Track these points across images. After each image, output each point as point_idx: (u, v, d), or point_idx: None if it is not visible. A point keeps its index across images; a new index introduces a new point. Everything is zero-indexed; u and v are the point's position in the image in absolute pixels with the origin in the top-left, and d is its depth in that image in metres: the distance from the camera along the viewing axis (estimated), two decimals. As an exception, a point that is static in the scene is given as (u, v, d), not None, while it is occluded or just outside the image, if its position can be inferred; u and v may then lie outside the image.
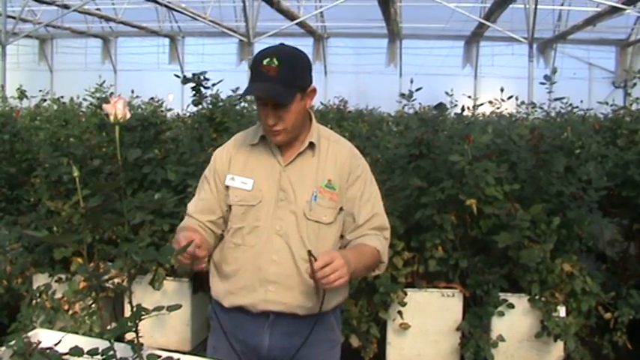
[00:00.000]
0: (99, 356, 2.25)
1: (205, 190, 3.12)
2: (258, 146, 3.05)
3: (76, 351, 2.29)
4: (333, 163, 3.01)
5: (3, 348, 2.39)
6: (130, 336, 2.31)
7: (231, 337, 3.07)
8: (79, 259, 5.43)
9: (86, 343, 2.35)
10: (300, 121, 2.95)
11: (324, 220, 2.96)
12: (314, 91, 2.97)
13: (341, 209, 3.01)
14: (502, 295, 5.31)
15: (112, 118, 2.33)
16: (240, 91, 6.45)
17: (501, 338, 5.27)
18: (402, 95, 6.67)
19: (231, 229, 3.06)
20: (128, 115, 2.36)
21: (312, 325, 3.00)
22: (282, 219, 2.96)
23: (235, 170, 3.05)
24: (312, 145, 3.01)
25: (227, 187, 3.04)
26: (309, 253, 2.67)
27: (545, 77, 7.15)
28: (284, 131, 2.90)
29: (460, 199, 5.33)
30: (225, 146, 3.18)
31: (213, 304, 3.20)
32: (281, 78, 2.78)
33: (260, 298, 2.92)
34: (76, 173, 2.27)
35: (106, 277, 2.39)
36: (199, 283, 5.62)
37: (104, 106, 2.36)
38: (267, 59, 2.79)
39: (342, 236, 3.07)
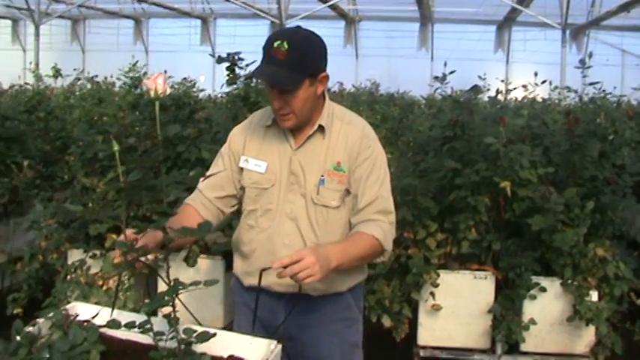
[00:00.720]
0: (136, 329, 2.28)
1: (218, 166, 3.15)
2: (271, 128, 3.07)
3: (114, 324, 2.32)
4: (343, 145, 3.00)
5: (42, 319, 2.43)
6: (165, 311, 2.33)
7: (250, 312, 3.10)
8: (114, 236, 5.47)
9: (122, 317, 2.38)
10: (309, 107, 2.93)
11: (332, 204, 2.97)
12: (326, 77, 2.95)
13: (349, 192, 3.00)
14: (534, 279, 5.28)
15: (152, 93, 2.35)
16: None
17: (533, 321, 5.25)
18: (436, 78, 6.64)
19: (245, 210, 3.10)
20: (168, 91, 2.38)
21: (326, 304, 3.05)
22: (293, 202, 2.98)
23: (250, 152, 3.07)
24: (321, 127, 3.01)
25: (241, 169, 3.07)
26: (260, 272, 2.70)
27: (581, 61, 7.13)
28: (292, 115, 2.90)
29: (494, 181, 5.31)
30: (242, 126, 3.20)
31: (234, 280, 3.27)
32: (288, 62, 2.76)
33: (274, 280, 2.86)
34: (116, 147, 2.28)
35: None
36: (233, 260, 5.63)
37: (144, 81, 2.38)
38: (278, 42, 2.77)
39: None
